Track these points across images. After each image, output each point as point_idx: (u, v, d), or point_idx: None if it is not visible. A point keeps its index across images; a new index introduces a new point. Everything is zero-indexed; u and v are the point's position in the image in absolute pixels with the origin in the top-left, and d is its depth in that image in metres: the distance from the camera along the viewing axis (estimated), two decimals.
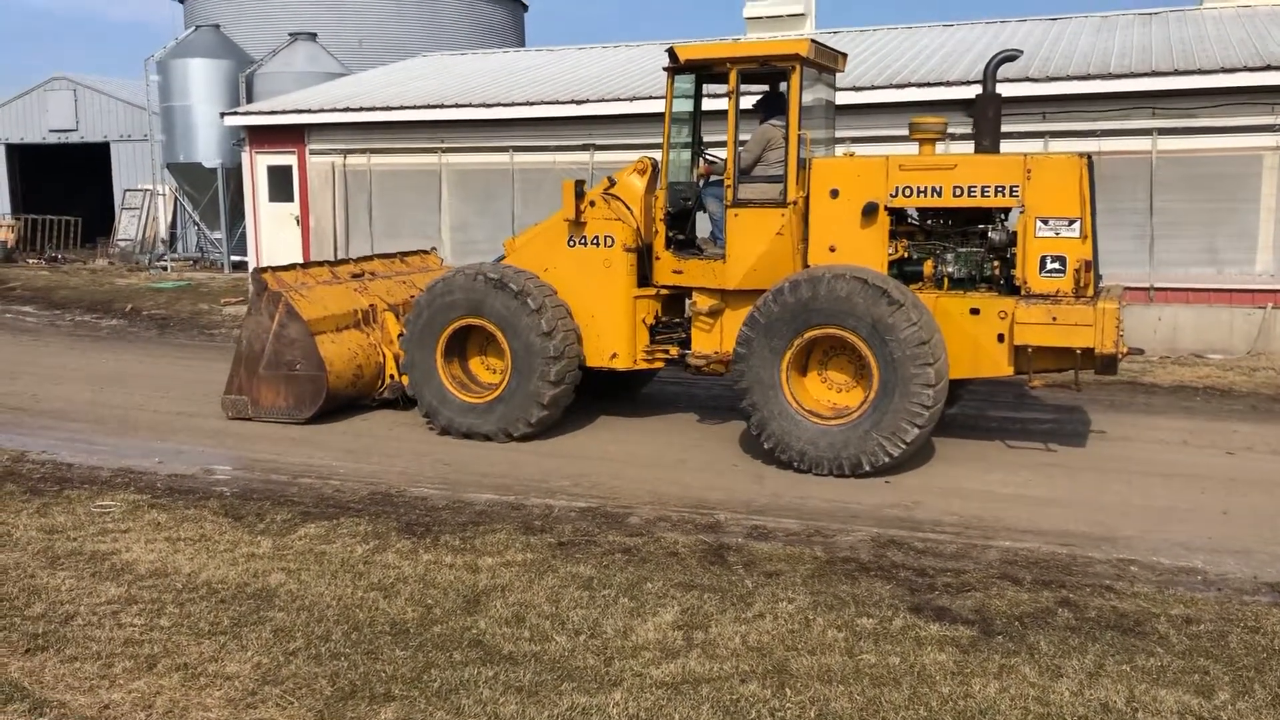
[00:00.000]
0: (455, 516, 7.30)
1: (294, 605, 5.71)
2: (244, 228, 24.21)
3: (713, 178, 9.55)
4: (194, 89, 24.05)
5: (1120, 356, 8.12)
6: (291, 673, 4.92)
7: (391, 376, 10.41)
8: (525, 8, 32.40)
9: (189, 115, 24.14)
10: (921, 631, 5.35)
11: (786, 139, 8.81)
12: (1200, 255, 13.57)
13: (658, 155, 9.98)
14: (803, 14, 19.86)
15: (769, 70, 8.98)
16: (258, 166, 19.08)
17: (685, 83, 9.62)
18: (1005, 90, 13.84)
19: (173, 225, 27.53)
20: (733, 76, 8.88)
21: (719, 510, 7.44)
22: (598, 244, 9.43)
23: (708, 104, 10.05)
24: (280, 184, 18.86)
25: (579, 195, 9.36)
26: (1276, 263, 13.28)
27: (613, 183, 9.60)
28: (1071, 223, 8.27)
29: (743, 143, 9.09)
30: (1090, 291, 8.29)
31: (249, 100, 23.28)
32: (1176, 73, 13.32)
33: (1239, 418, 10.17)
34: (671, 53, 9.14)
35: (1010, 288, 8.69)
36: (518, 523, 7.12)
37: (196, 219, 25.45)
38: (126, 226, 28.64)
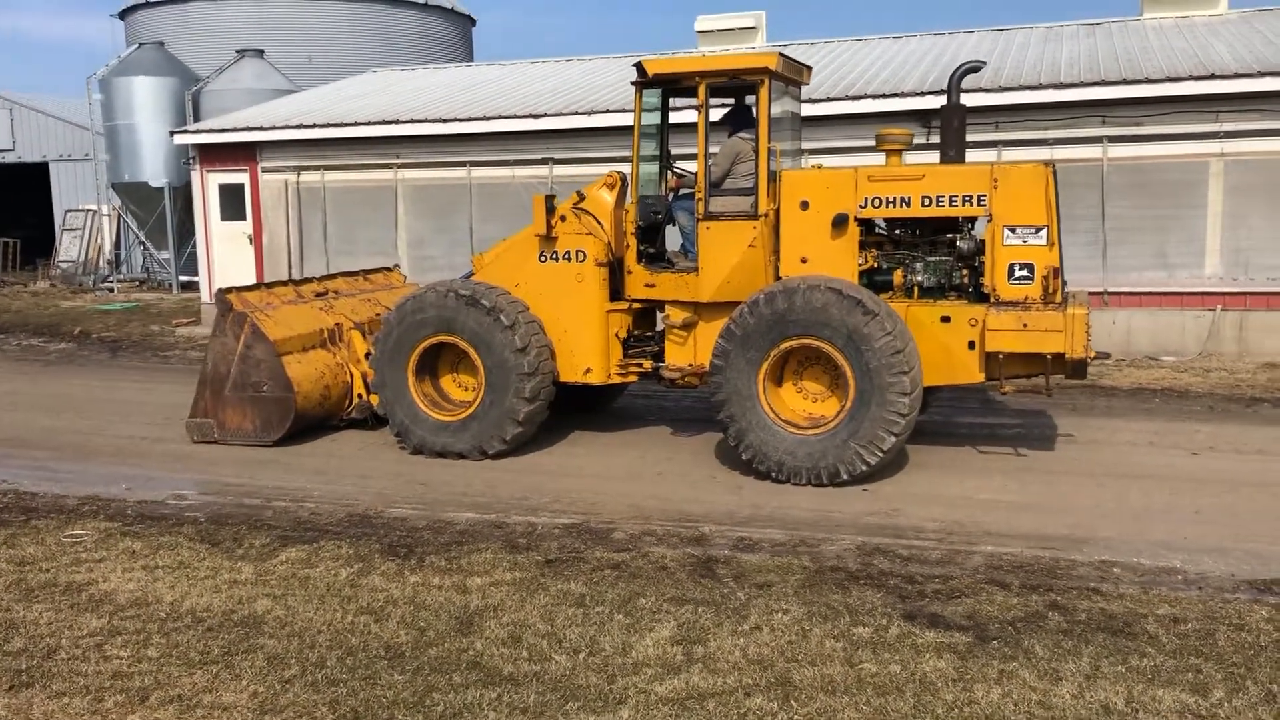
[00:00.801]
0: (437, 537, 7.22)
1: (284, 632, 5.61)
2: (192, 247, 23.89)
3: (683, 191, 9.58)
4: (138, 107, 23.71)
5: (1089, 361, 8.27)
6: (290, 701, 4.83)
7: (359, 396, 10.31)
8: (473, 22, 32.31)
9: (134, 134, 23.79)
10: (918, 639, 5.38)
11: (756, 151, 8.87)
12: (1151, 260, 13.86)
13: (618, 168, 10.03)
14: (754, 27, 20.05)
15: (738, 84, 9.04)
16: (209, 185, 18.79)
17: (652, 96, 9.65)
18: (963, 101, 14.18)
19: (116, 246, 27.02)
20: (701, 90, 8.92)
21: (702, 523, 7.44)
22: (569, 259, 9.41)
23: (674, 117, 10.10)
24: (232, 202, 18.60)
25: (550, 210, 9.34)
26: (1224, 266, 13.61)
27: (582, 197, 9.60)
28: (1038, 230, 8.41)
29: (712, 156, 9.13)
30: (1058, 298, 8.43)
31: (196, 118, 22.96)
32: (1125, 82, 13.62)
33: (1198, 418, 10.39)
34: (639, 66, 9.17)
35: (979, 295, 8.82)
36: (502, 541, 7.07)
37: (143, 239, 25.03)
38: (68, 248, 28.06)
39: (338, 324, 10.40)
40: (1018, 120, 14.11)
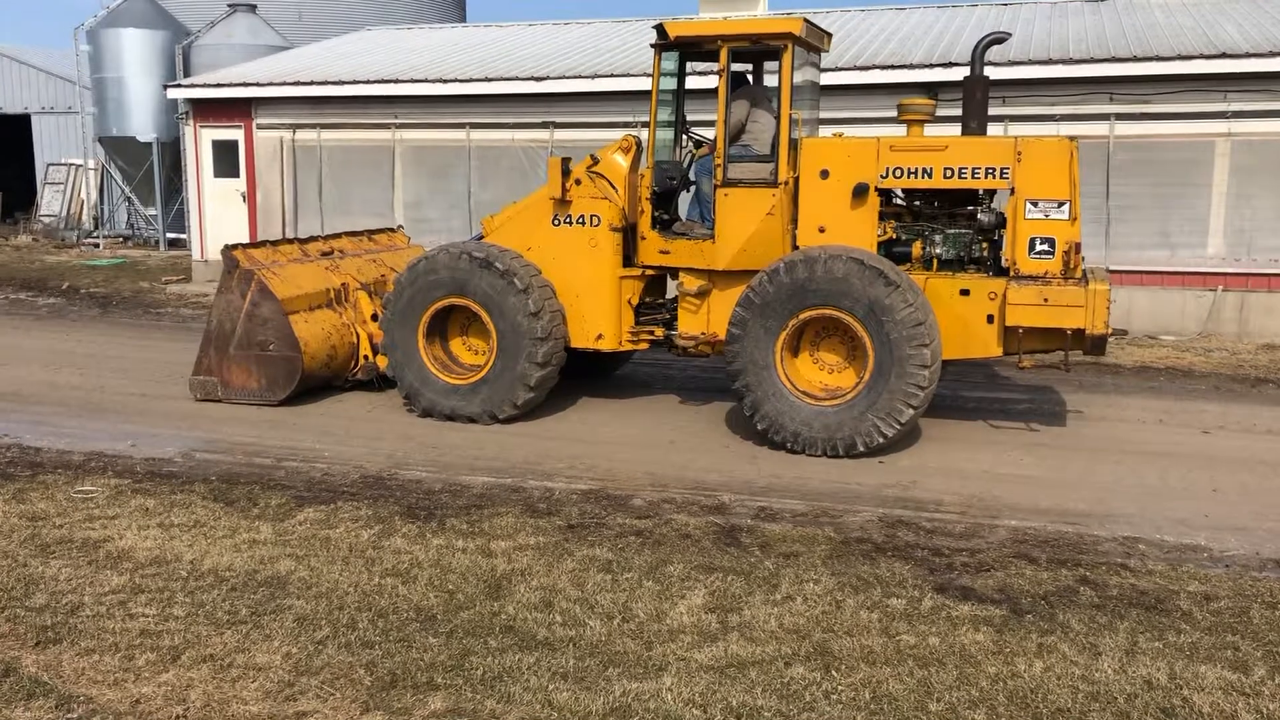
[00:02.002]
0: (455, 500, 7.15)
1: (310, 593, 5.53)
2: (180, 204, 23.56)
3: (703, 157, 9.46)
4: (127, 60, 23.25)
5: (1109, 337, 8.25)
6: (325, 662, 4.76)
7: (365, 357, 10.17)
8: None
9: (122, 87, 23.34)
10: (953, 611, 5.36)
11: (770, 112, 8.75)
12: (1154, 238, 13.85)
13: (620, 133, 9.88)
14: None
15: (760, 48, 8.92)
16: (202, 141, 18.49)
17: (669, 61, 9.50)
18: (962, 74, 14.10)
19: (100, 201, 26.61)
20: (724, 54, 8.78)
21: (721, 491, 7.39)
22: (583, 223, 9.29)
23: (691, 82, 9.97)
24: (226, 159, 18.31)
25: (565, 173, 9.20)
26: (1227, 246, 13.62)
27: (596, 160, 9.46)
28: (1061, 205, 8.36)
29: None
30: (1079, 273, 8.39)
31: (187, 73, 22.57)
32: (1135, 59, 13.56)
33: (1205, 397, 10.41)
34: (660, 29, 9.03)
35: (998, 269, 8.77)
36: (521, 505, 7.00)
37: (129, 195, 24.64)
38: (50, 202, 27.62)
39: (344, 284, 10.25)
40: (1025, 95, 14.00)
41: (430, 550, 6.15)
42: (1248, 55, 13.18)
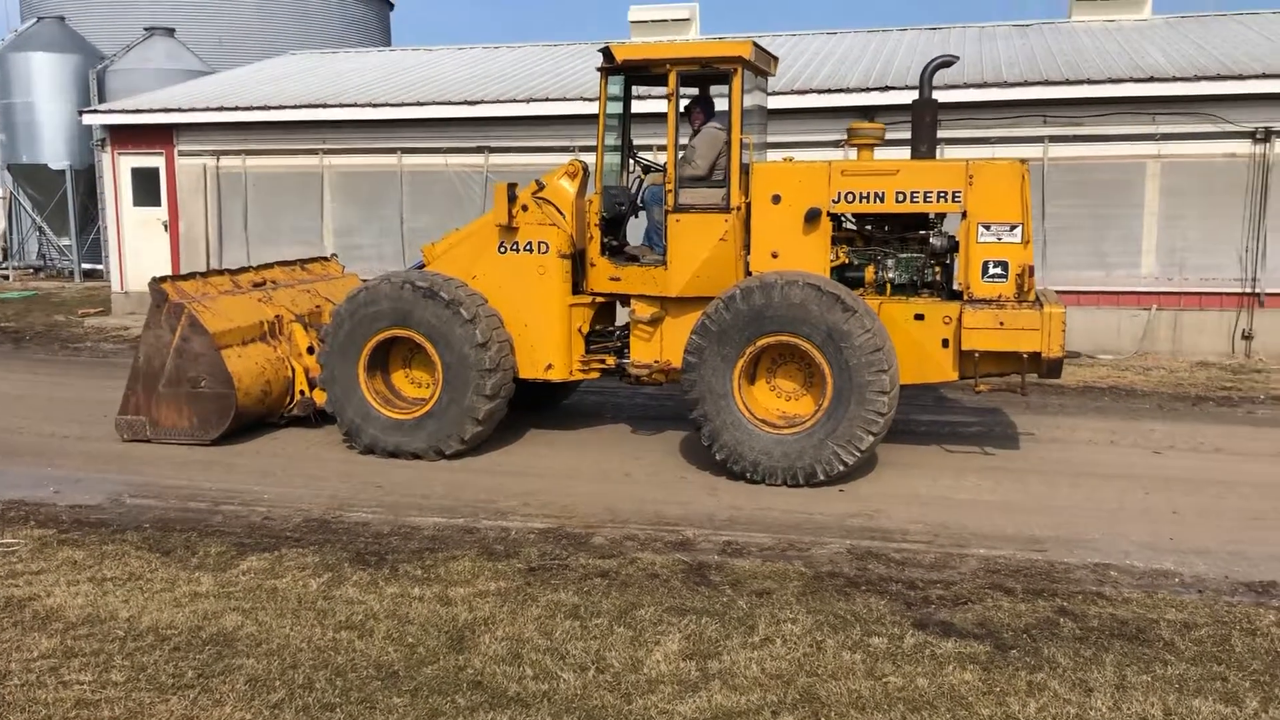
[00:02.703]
0: (406, 543, 6.82)
1: (260, 650, 5.17)
2: (95, 233, 22.77)
3: (650, 182, 9.29)
4: (37, 85, 22.47)
5: (1064, 360, 8.22)
6: None
7: (302, 392, 9.78)
8: (391, 6, 31.47)
9: (32, 113, 22.53)
10: (936, 649, 5.20)
11: (729, 143, 8.63)
12: (1090, 259, 14.03)
13: (556, 158, 9.67)
14: (688, 19, 19.83)
15: (709, 73, 8.78)
16: (120, 169, 17.83)
17: (615, 84, 9.32)
18: (900, 98, 14.18)
19: (8, 231, 25.61)
20: (672, 78, 8.62)
21: (683, 526, 7.17)
22: (531, 250, 9.04)
23: (636, 106, 9.79)
24: (146, 187, 17.69)
25: (512, 199, 8.95)
26: (1160, 266, 13.85)
27: (542, 186, 9.22)
28: (1013, 228, 8.33)
29: (683, 147, 8.85)
30: (1032, 296, 8.37)
31: (102, 98, 21.83)
32: (1067, 82, 13.75)
33: (1150, 417, 10.48)
34: (607, 52, 8.84)
35: (951, 293, 8.72)
36: (477, 548, 6.70)
37: (41, 224, 23.73)
38: None
39: (278, 316, 9.85)
40: (961, 118, 14.10)
41: (385, 600, 5.83)
42: (1174, 79, 13.45)
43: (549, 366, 9.12)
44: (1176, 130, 13.58)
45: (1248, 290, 13.49)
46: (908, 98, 13.81)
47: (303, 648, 5.21)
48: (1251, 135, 13.30)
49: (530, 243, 9.04)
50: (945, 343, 8.37)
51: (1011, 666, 5.02)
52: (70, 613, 5.63)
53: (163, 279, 9.37)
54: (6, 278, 23.75)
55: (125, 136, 17.77)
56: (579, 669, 4.99)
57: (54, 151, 22.46)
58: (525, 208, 9.04)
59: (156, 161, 17.58)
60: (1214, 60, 14.13)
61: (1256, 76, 13.21)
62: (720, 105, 9.03)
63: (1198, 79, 13.36)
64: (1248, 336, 13.53)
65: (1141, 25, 17.43)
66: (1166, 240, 13.75)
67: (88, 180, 22.74)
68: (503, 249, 9.09)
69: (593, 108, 14.70)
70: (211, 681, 4.84)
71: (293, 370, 9.78)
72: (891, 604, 5.78)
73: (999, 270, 8.36)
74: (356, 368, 8.96)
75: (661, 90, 9.13)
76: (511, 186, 9.01)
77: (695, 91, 9.51)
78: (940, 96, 13.79)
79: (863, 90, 14.41)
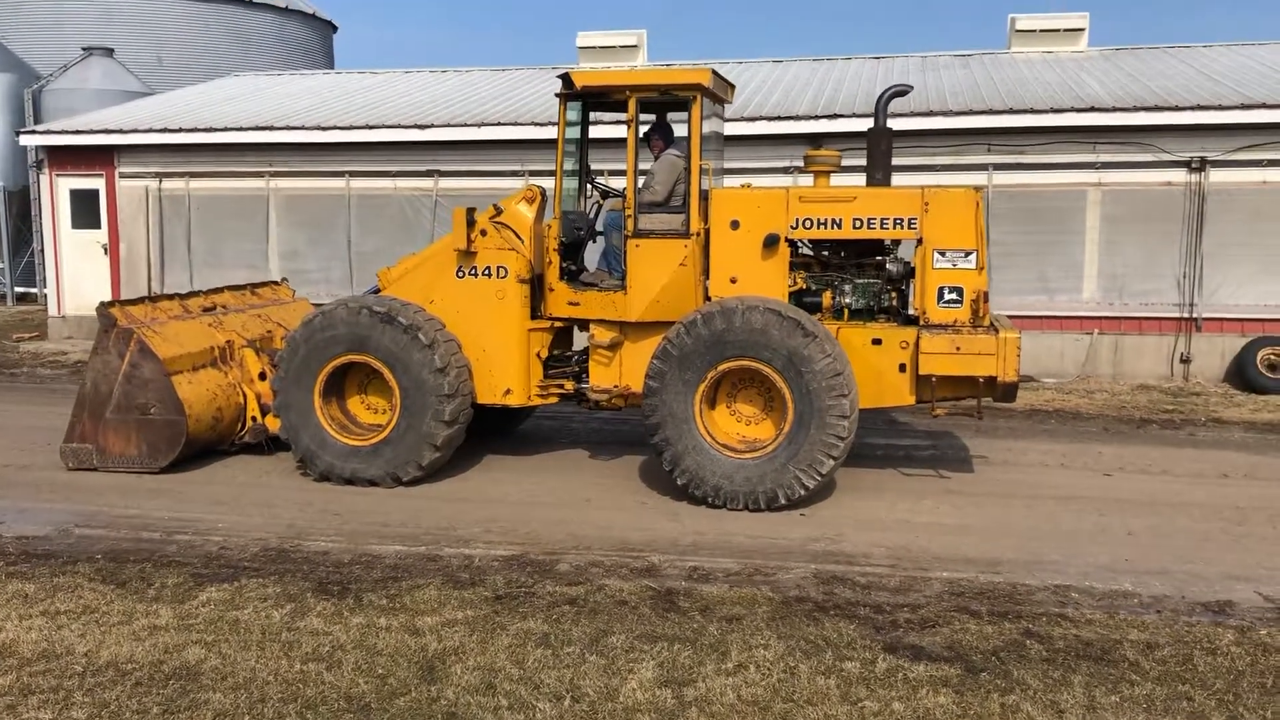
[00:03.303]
0: (369, 572, 6.72)
1: (226, 684, 5.05)
2: (29, 256, 22.25)
3: (609, 208, 9.31)
4: None
5: (1019, 384, 8.36)
6: None
7: (254, 419, 9.60)
8: (335, 29, 31.25)
9: None
10: (909, 673, 5.23)
11: (688, 169, 8.68)
12: (1033, 284, 14.30)
13: (507, 183, 9.63)
14: (636, 45, 19.90)
15: (669, 99, 8.84)
16: (59, 190, 17.44)
17: (573, 110, 9.34)
18: (848, 125, 14.39)
19: None
20: (632, 105, 8.67)
21: (648, 552, 7.15)
22: (490, 275, 9.01)
23: (594, 131, 9.82)
24: (85, 209, 17.32)
25: (470, 223, 8.91)
26: (1101, 291, 14.16)
27: (499, 210, 9.20)
28: (968, 254, 8.47)
29: (643, 173, 8.89)
30: (987, 321, 8.51)
31: (38, 119, 21.38)
32: (1011, 111, 14.05)
33: (1097, 439, 10.69)
34: (566, 78, 8.86)
35: (906, 319, 8.84)
36: (441, 576, 6.62)
37: None
38: None
39: (229, 341, 9.68)
40: (906, 146, 14.25)
41: (351, 630, 5.73)
42: (1114, 109, 13.81)
43: (507, 391, 9.07)
44: (1116, 159, 13.93)
45: (1185, 315, 13.84)
46: (856, 125, 14.10)
47: (270, 680, 5.10)
48: (1187, 164, 13.68)
49: (489, 267, 9.01)
50: (902, 367, 8.47)
51: (983, 689, 5.06)
52: (24, 648, 5.45)
53: (111, 303, 9.17)
54: None
55: (64, 157, 17.40)
56: (554, 698, 4.94)
57: None
58: (484, 232, 9.01)
59: (96, 183, 17.23)
60: (1150, 92, 14.54)
61: (1191, 108, 13.61)
62: (679, 131, 9.08)
63: (1136, 109, 13.73)
64: (1186, 360, 13.87)
65: (1079, 57, 17.88)
66: (1107, 266, 14.08)
67: (21, 202, 22.24)
68: (460, 273, 9.05)
69: (544, 132, 14.80)
70: (178, 717, 4.72)
71: (244, 396, 9.61)
72: (860, 628, 5.82)
73: (954, 296, 8.50)
74: (312, 394, 8.84)
75: (620, 116, 9.20)
76: (470, 211, 8.97)
77: (653, 117, 9.56)
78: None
79: (811, 118, 14.59)
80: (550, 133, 14.32)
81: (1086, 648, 5.55)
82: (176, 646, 5.48)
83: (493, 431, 10.31)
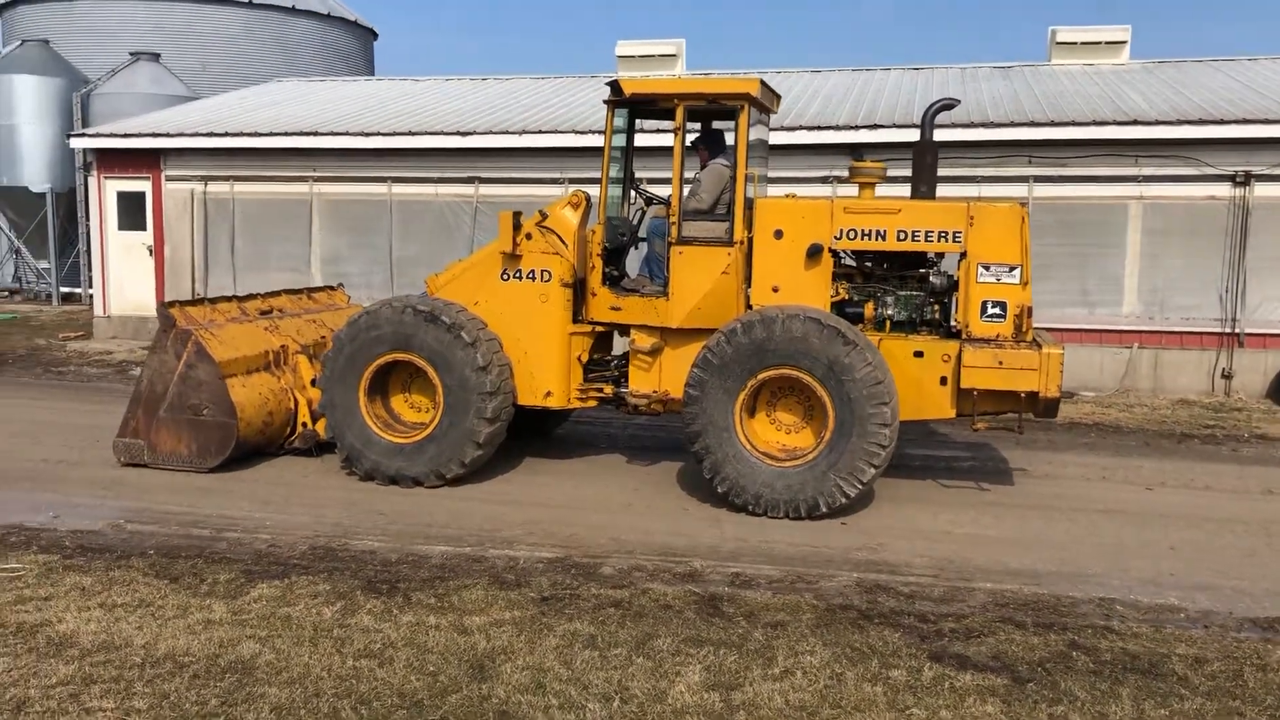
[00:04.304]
0: (416, 572, 6.81)
1: (280, 678, 5.15)
2: (74, 257, 22.61)
3: (654, 214, 9.39)
4: (20, 107, 22.35)
5: (1060, 400, 8.35)
6: None
7: (304, 424, 9.72)
8: (375, 35, 31.57)
9: (13, 135, 22.42)
10: (955, 681, 5.25)
11: (733, 178, 8.74)
12: (1073, 297, 14.24)
13: (546, 190, 9.71)
14: (675, 55, 20.01)
15: (716, 108, 8.91)
16: (106, 192, 17.75)
17: (620, 117, 9.41)
18: (889, 136, 14.41)
19: None
20: (679, 113, 8.74)
21: (690, 557, 7.20)
22: (534, 278, 9.10)
23: (639, 139, 9.90)
24: (132, 211, 17.61)
25: (516, 227, 9.02)
26: (1142, 305, 14.09)
27: (545, 215, 9.29)
28: (1012, 269, 8.48)
29: (688, 181, 8.96)
30: (1029, 336, 8.50)
31: (86, 122, 21.76)
32: (1052, 123, 14.01)
33: (1138, 454, 10.64)
34: (615, 85, 8.95)
35: (948, 332, 8.84)
36: (488, 577, 6.70)
37: (20, 247, 23.52)
38: None
39: (283, 346, 9.81)
40: (947, 157, 14.22)
41: (401, 628, 5.82)
42: (1157, 122, 13.74)
43: (548, 394, 9.15)
44: (1158, 172, 13.86)
45: (1228, 330, 13.74)
46: (896, 136, 14.13)
47: (324, 676, 5.19)
48: (1231, 178, 13.60)
49: (533, 271, 9.11)
50: (944, 380, 8.48)
51: (1031, 699, 5.08)
52: (84, 639, 5.58)
53: (171, 304, 9.34)
54: None
55: (112, 160, 17.70)
56: (604, 699, 5.00)
57: (35, 174, 22.32)
58: (529, 236, 9.11)
59: (143, 186, 17.52)
60: (1193, 105, 14.46)
61: (1236, 121, 13.53)
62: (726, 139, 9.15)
63: (1179, 123, 13.66)
64: (1228, 375, 13.77)
65: (1120, 70, 17.80)
66: (1148, 280, 14.01)
67: (68, 203, 22.61)
68: (505, 276, 9.15)
69: (584, 140, 14.93)
70: (236, 710, 4.82)
71: (295, 402, 9.73)
72: (906, 637, 5.84)
73: (998, 310, 8.50)
74: (357, 392, 8.96)
75: (664, 124, 9.28)
76: (516, 215, 9.07)
77: (696, 125, 9.64)
78: None
79: (851, 128, 14.61)
80: (591, 141, 14.50)
81: (1134, 661, 5.55)
82: (231, 641, 5.58)
83: (529, 434, 10.40)
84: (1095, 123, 13.90)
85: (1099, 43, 18.35)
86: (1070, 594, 6.60)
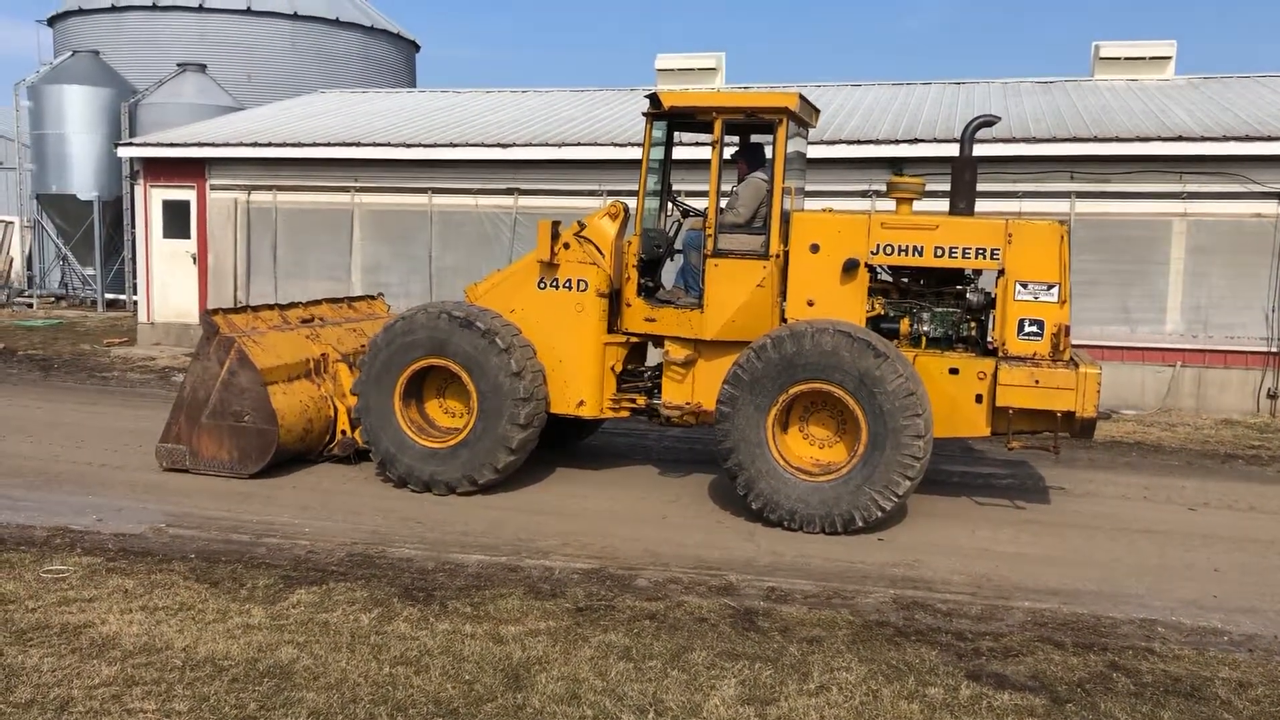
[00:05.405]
0: (452, 580, 6.85)
1: (318, 684, 5.20)
2: (119, 264, 22.96)
3: (690, 227, 9.41)
4: (70, 117, 22.73)
5: (1097, 421, 8.27)
6: None
7: (343, 432, 9.81)
8: (417, 48, 31.87)
9: (63, 144, 22.77)
10: (993, 700, 5.21)
11: (770, 191, 8.75)
12: (1115, 314, 14.10)
13: (585, 202, 9.73)
14: (714, 68, 20.09)
15: (755, 122, 8.92)
16: (152, 201, 18.03)
17: (658, 129, 9.45)
18: (929, 150, 14.34)
19: (30, 259, 25.82)
20: (718, 126, 8.77)
21: (725, 571, 7.19)
22: (570, 287, 9.15)
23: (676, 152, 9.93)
24: (176, 219, 17.88)
25: (555, 236, 9.07)
26: (1185, 323, 13.92)
27: (583, 225, 9.34)
28: (1050, 287, 8.41)
29: (725, 193, 8.97)
30: (1067, 355, 8.43)
31: (133, 132, 22.12)
32: (1095, 139, 13.90)
33: (1180, 473, 10.50)
34: (654, 98, 8.99)
35: (984, 349, 8.79)
36: (523, 586, 6.73)
37: (67, 253, 23.93)
38: None
39: (324, 354, 9.92)
40: (988, 172, 14.13)
41: (437, 636, 5.85)
42: (1202, 139, 13.59)
43: (581, 403, 9.18)
44: (1203, 189, 13.71)
45: (1273, 349, 13.55)
46: (936, 150, 14.07)
47: (361, 682, 5.23)
48: (1278, 196, 13.42)
49: (570, 280, 9.15)
50: (979, 398, 8.42)
51: None
52: (126, 641, 5.65)
53: (214, 311, 9.46)
54: (31, 305, 23.91)
55: (158, 169, 17.99)
56: (638, 711, 5.01)
57: (83, 182, 22.69)
58: (567, 245, 9.16)
59: (188, 194, 17.78)
60: (1240, 121, 14.30)
61: None
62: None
63: (1225, 139, 13.51)
64: (1273, 395, 13.57)
65: (1165, 85, 17.64)
66: (1191, 298, 13.84)
67: (114, 211, 22.97)
68: (542, 285, 9.20)
69: (623, 153, 14.99)
70: (274, 714, 4.86)
71: (335, 409, 9.82)
72: (943, 654, 5.80)
73: (1035, 329, 8.44)
74: (392, 397, 9.04)
75: (703, 137, 9.30)
76: (555, 224, 9.13)
77: (735, 139, 9.66)
78: None
79: (892, 142, 14.57)
80: (629, 153, 14.56)
81: (1175, 684, 5.48)
82: (270, 645, 5.64)
83: (561, 443, 10.43)
84: (1139, 139, 13.76)
85: (1143, 58, 18.21)
86: (1111, 614, 6.52)
